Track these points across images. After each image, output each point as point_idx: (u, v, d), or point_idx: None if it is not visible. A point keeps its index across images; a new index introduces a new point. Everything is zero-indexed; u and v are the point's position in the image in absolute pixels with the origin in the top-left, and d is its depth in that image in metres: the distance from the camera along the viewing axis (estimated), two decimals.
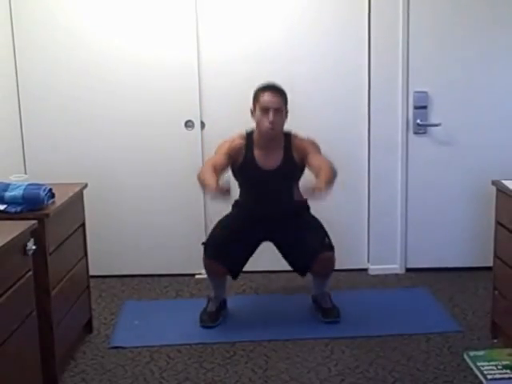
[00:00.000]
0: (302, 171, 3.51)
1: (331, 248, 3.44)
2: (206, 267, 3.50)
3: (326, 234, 3.46)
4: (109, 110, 4.08)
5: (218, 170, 3.28)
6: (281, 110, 3.37)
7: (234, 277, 3.59)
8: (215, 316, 3.52)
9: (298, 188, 3.48)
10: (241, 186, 3.60)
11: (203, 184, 3.16)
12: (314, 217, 3.56)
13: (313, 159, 3.37)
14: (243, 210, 3.57)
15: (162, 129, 4.10)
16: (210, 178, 3.11)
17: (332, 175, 3.21)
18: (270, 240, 3.59)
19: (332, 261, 3.45)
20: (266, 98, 3.35)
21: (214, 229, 3.57)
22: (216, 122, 4.07)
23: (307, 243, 3.40)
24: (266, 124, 3.35)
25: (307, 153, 3.41)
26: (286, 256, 3.59)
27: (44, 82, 4.03)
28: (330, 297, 3.60)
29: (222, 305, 3.61)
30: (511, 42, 4.05)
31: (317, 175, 3.23)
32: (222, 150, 3.44)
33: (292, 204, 3.52)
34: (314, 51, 4.06)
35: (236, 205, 3.62)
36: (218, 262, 3.44)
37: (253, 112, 3.43)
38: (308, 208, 3.59)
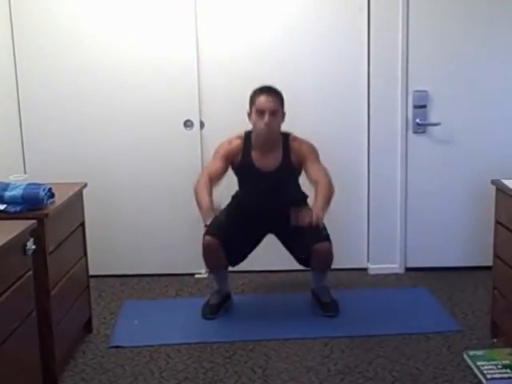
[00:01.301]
0: (300, 172, 3.54)
1: (328, 239, 3.44)
2: (206, 246, 3.43)
3: (323, 227, 3.42)
4: (108, 109, 4.08)
5: (215, 179, 3.40)
6: (276, 111, 3.39)
7: (232, 263, 3.57)
8: (216, 309, 3.55)
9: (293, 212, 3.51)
10: (240, 182, 3.62)
11: (198, 206, 3.30)
12: (311, 209, 3.51)
13: (311, 169, 3.42)
14: (242, 204, 3.58)
15: (162, 128, 4.10)
16: (205, 206, 3.22)
17: (329, 194, 3.30)
18: (270, 232, 3.59)
19: (330, 252, 3.44)
20: (262, 100, 3.37)
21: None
22: (215, 121, 4.07)
23: (305, 234, 3.35)
24: (261, 126, 3.37)
25: (305, 159, 3.45)
26: (286, 245, 3.62)
27: (43, 82, 4.03)
28: (329, 291, 3.63)
29: (226, 299, 3.63)
30: (511, 41, 4.05)
31: (314, 191, 3.31)
32: (220, 153, 3.49)
33: (290, 201, 3.51)
34: (314, 51, 4.06)
35: (236, 196, 3.63)
36: (217, 240, 3.40)
37: (249, 115, 3.45)
38: (306, 201, 3.59)
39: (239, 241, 3.51)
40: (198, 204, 3.30)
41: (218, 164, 3.47)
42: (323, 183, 3.34)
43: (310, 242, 3.39)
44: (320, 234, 3.38)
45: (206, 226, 3.31)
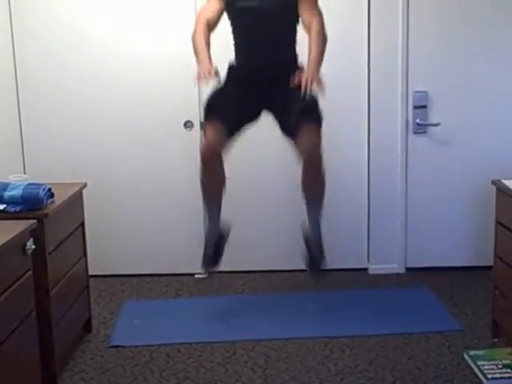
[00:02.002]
0: (297, 13, 3.24)
1: (319, 121, 3.21)
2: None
3: (317, 108, 3.23)
4: (108, 110, 4.08)
5: (212, 25, 3.22)
6: None
7: (230, 132, 3.24)
8: (214, 259, 3.38)
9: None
10: (235, 31, 3.32)
11: (196, 60, 3.13)
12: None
13: (304, 9, 3.18)
14: (239, 74, 3.30)
15: (162, 129, 4.10)
16: (204, 57, 3.07)
17: (321, 46, 3.11)
18: (266, 108, 3.33)
19: (318, 139, 3.17)
20: None
21: (211, 92, 3.27)
22: None
23: (295, 110, 3.14)
24: None
25: None
26: (278, 122, 3.35)
27: (43, 82, 4.03)
28: (320, 242, 3.40)
29: (220, 240, 3.39)
30: (511, 41, 4.05)
31: (308, 44, 3.10)
32: None
33: (291, 58, 3.30)
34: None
35: (231, 70, 3.35)
36: (215, 112, 3.18)
37: None
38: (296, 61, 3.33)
39: (235, 110, 3.20)
40: (197, 55, 3.14)
41: (213, 6, 3.23)
42: (314, 33, 3.12)
43: (298, 118, 3.13)
44: (309, 114, 3.16)
45: (199, 75, 3.07)
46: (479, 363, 2.93)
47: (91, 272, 3.46)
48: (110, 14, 3.99)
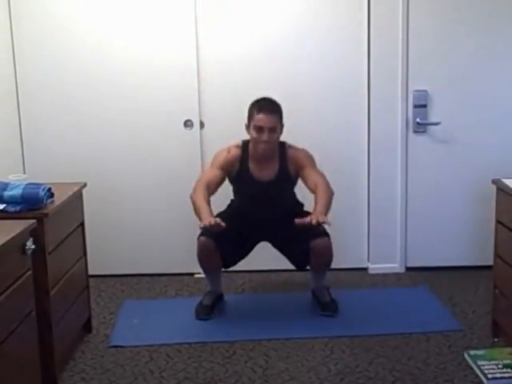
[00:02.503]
0: (296, 181, 3.56)
1: (327, 235, 3.41)
2: (201, 247, 3.43)
3: (323, 228, 3.41)
4: (108, 109, 4.07)
5: (212, 188, 3.42)
6: (275, 128, 3.40)
7: (227, 264, 3.58)
8: (210, 309, 3.56)
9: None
10: (235, 192, 3.63)
11: (198, 216, 3.30)
12: (307, 212, 3.47)
13: (309, 175, 3.43)
14: (238, 212, 3.58)
15: (162, 128, 4.10)
16: (205, 212, 3.24)
17: (329, 198, 3.32)
18: (266, 240, 3.62)
19: (329, 248, 3.41)
20: (261, 117, 3.37)
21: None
22: (215, 121, 4.07)
23: (303, 233, 3.33)
24: (260, 142, 3.39)
25: (303, 166, 3.47)
26: (283, 251, 3.62)
27: (43, 82, 4.03)
28: (328, 290, 3.64)
29: (218, 299, 3.64)
30: (511, 41, 4.04)
31: (314, 196, 3.32)
32: (218, 161, 3.50)
33: (286, 210, 3.52)
34: (314, 50, 4.05)
35: (231, 205, 3.64)
36: (213, 242, 3.38)
37: (247, 127, 3.45)
38: (302, 209, 3.59)
39: (234, 245, 3.51)
40: (197, 212, 3.31)
41: (215, 172, 3.48)
42: (322, 187, 3.35)
43: (308, 239, 3.38)
44: (318, 230, 3.35)
45: (201, 228, 3.30)
46: (479, 363, 2.93)
47: (91, 272, 3.46)
48: (110, 17, 3.98)
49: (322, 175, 3.44)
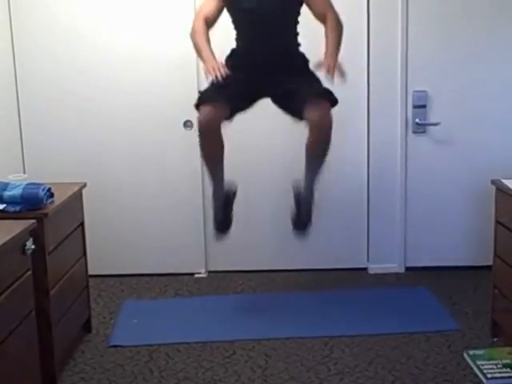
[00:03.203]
0: (301, 3, 3.23)
1: (327, 98, 3.07)
2: (205, 120, 3.08)
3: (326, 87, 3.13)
4: (108, 110, 4.08)
5: (211, 22, 3.20)
6: None
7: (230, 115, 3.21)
8: (224, 223, 3.40)
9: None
10: (235, 23, 3.28)
11: (200, 56, 3.09)
12: (312, 72, 3.19)
13: (316, 3, 3.18)
14: (240, 58, 3.24)
15: (161, 129, 4.10)
16: (209, 56, 3.03)
17: (339, 35, 3.11)
18: (267, 95, 3.28)
19: (327, 112, 3.04)
20: None
21: (211, 83, 3.13)
22: None
23: (303, 92, 3.08)
24: None
25: None
26: (282, 106, 3.29)
27: (43, 82, 4.03)
28: (310, 203, 3.32)
29: (227, 201, 3.38)
30: (510, 41, 4.05)
31: (324, 33, 3.09)
32: None
33: (292, 47, 3.27)
34: (313, 50, 4.04)
35: (232, 54, 3.29)
36: (216, 111, 3.07)
37: None
38: (306, 61, 3.28)
39: (235, 97, 3.11)
40: (200, 54, 3.12)
41: (213, 3, 3.20)
42: (331, 21, 3.12)
43: (306, 104, 3.04)
44: (318, 92, 3.08)
45: (211, 82, 3.02)
46: (479, 363, 2.94)
47: (91, 272, 3.46)
48: (109, 15, 3.99)
49: (332, 7, 3.18)
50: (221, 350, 3.19)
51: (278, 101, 3.30)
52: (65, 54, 4.01)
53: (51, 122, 4.08)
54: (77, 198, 3.21)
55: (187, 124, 4.08)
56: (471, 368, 2.94)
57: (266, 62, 3.16)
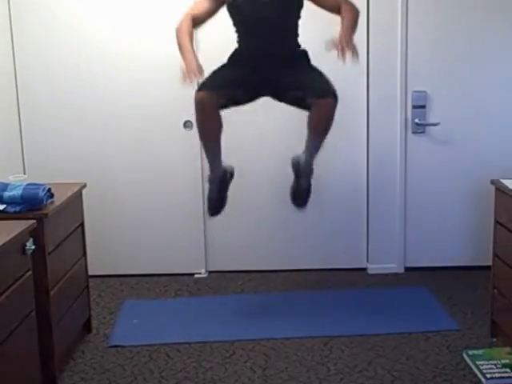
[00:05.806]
0: (301, 6, 3.24)
1: (334, 95, 3.09)
2: (201, 103, 3.09)
3: (329, 81, 3.16)
4: (108, 110, 4.08)
5: (197, 22, 3.20)
6: None
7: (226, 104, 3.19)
8: (218, 203, 3.34)
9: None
10: (236, 26, 3.27)
11: (184, 61, 3.03)
12: (315, 68, 3.24)
13: None
14: (242, 58, 3.24)
15: (161, 129, 4.11)
16: (192, 60, 3.00)
17: (355, 21, 3.09)
18: (269, 93, 3.28)
19: (331, 108, 3.08)
20: None
21: (210, 75, 3.15)
22: None
23: (308, 85, 3.10)
24: None
25: None
26: (285, 101, 3.29)
27: (43, 82, 4.04)
28: (309, 175, 3.31)
29: (222, 183, 3.33)
30: (510, 41, 4.05)
31: (341, 20, 3.07)
32: None
33: (294, 44, 3.27)
34: (313, 51, 4.04)
35: (234, 54, 3.28)
36: (212, 95, 3.07)
37: None
38: (308, 58, 3.31)
39: (234, 90, 3.14)
40: (182, 53, 3.08)
41: (203, 5, 3.19)
42: (346, 6, 3.11)
43: (313, 92, 3.08)
44: (321, 89, 3.10)
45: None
46: (478, 363, 2.94)
47: (91, 272, 3.46)
48: (110, 15, 3.99)
49: None
50: (221, 350, 3.19)
51: (280, 99, 3.29)
52: (65, 54, 4.01)
53: (51, 122, 4.09)
54: (77, 198, 3.21)
55: (187, 124, 4.08)
56: (470, 368, 2.94)
57: (267, 64, 3.17)
